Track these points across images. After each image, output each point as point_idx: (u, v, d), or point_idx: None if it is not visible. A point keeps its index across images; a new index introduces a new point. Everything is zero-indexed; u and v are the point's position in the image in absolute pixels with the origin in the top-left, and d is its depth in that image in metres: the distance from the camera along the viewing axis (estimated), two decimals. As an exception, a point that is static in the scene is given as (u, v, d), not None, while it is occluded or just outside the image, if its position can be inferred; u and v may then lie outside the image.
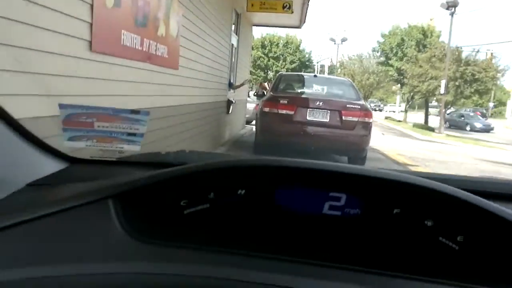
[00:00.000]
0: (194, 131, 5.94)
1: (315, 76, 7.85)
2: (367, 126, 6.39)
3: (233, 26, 8.83)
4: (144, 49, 3.42)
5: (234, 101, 8.79)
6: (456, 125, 29.89)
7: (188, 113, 5.39)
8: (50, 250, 0.62)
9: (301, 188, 0.72)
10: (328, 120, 6.29)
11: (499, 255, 0.67)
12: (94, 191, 0.72)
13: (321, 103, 6.32)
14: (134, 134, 0.98)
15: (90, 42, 2.52)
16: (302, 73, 8.63)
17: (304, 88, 7.40)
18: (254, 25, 12.60)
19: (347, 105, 6.37)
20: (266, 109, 6.48)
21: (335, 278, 0.60)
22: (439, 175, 1.11)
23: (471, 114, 32.89)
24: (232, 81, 9.18)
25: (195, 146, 5.86)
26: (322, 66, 43.16)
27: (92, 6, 2.51)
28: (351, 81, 7.85)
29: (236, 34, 9.43)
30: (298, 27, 12.51)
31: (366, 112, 6.38)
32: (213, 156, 1.53)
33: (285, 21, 11.80)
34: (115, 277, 0.59)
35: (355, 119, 6.29)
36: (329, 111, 6.29)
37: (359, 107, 6.38)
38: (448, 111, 30.66)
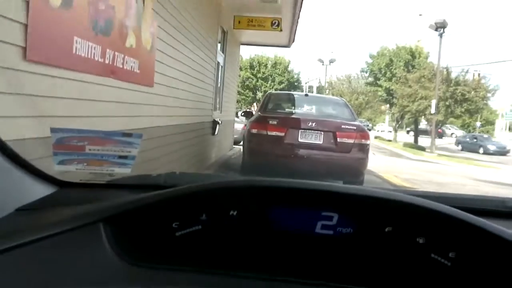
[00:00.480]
0: (175, 155, 5.38)
1: (306, 95, 7.29)
2: (364, 149, 5.88)
3: (219, 45, 8.36)
4: (107, 61, 2.87)
5: (220, 122, 8.25)
6: (469, 147, 28.50)
7: (167, 135, 4.83)
8: (41, 277, 0.61)
9: (293, 208, 0.71)
10: (321, 142, 5.76)
11: (491, 270, 0.68)
12: (85, 215, 0.72)
13: (313, 123, 5.80)
14: (125, 157, 0.97)
15: (25, 49, 1.96)
16: (292, 92, 8.09)
17: (295, 108, 6.89)
18: (242, 44, 12.19)
19: (342, 126, 5.86)
20: (254, 131, 5.95)
21: None
22: (430, 193, 1.14)
23: (485, 136, 31.52)
24: (218, 101, 8.67)
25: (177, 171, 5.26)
26: (311, 87, 43.06)
27: (28, 2, 1.96)
28: (344, 100, 7.34)
29: (223, 53, 8.96)
30: (287, 46, 12.12)
31: (363, 133, 5.88)
32: (205, 177, 1.47)
33: (274, 40, 11.42)
34: None
35: (351, 140, 5.78)
36: (322, 133, 5.78)
37: (355, 128, 5.88)
38: (461, 134, 29.70)
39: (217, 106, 8.60)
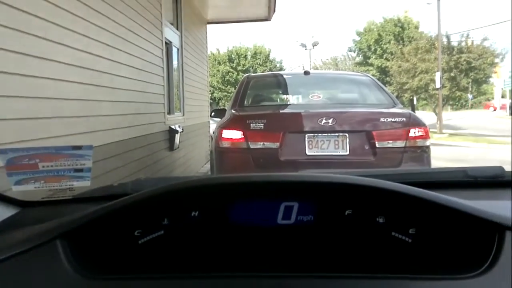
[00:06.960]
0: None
1: (305, 73, 4.40)
2: (424, 156, 3.31)
3: (167, 14, 5.71)
4: None
5: (181, 129, 5.62)
6: None
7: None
8: None
9: (253, 202, 0.71)
10: (347, 153, 3.18)
11: (451, 242, 0.68)
12: (41, 234, 0.70)
13: (329, 120, 3.20)
14: (81, 170, 0.95)
15: None
16: (281, 72, 5.29)
17: (291, 96, 4.29)
18: (210, 23, 9.52)
19: (380, 119, 3.27)
20: (225, 143, 3.34)
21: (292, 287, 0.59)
22: (390, 171, 1.25)
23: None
24: (175, 98, 6.02)
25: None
26: (296, 74, 40.45)
27: None
28: (371, 77, 4.59)
29: (177, 29, 6.31)
30: (267, 19, 9.43)
31: (418, 128, 3.29)
32: (171, 180, 1.38)
33: (250, 11, 8.80)
34: None
35: (400, 143, 3.20)
36: (347, 135, 3.19)
37: (404, 119, 3.29)
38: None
39: (174, 106, 5.96)
